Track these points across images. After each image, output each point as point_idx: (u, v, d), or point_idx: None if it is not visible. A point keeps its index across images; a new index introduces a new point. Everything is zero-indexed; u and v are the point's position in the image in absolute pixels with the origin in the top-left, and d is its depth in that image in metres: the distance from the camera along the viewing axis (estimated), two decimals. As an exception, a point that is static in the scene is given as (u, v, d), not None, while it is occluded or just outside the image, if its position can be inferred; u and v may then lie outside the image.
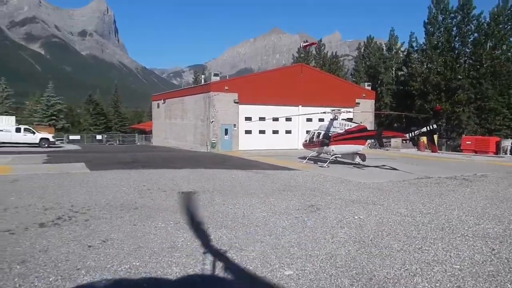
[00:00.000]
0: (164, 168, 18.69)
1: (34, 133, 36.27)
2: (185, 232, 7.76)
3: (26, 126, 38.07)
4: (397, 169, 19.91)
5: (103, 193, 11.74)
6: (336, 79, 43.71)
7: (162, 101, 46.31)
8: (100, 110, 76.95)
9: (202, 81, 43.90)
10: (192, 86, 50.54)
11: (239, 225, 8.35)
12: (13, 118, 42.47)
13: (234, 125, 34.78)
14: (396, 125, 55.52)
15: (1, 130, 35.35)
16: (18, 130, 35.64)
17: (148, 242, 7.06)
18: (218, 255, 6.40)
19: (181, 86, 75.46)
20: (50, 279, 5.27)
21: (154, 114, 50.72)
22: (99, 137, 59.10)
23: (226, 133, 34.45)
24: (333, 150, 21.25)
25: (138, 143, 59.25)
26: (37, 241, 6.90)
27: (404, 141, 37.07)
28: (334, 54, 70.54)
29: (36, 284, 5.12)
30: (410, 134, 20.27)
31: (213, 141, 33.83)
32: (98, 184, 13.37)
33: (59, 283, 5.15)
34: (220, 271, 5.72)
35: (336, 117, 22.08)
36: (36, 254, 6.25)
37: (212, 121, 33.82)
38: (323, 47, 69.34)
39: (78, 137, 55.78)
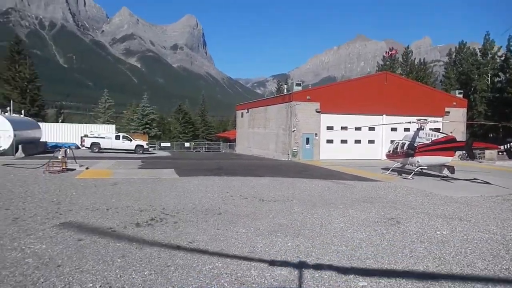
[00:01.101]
0: (246, 176, 19.39)
1: (131, 140, 39.56)
2: (264, 238, 8.15)
3: (124, 134, 41.63)
4: (490, 183, 18.52)
5: (190, 198, 12.63)
6: (423, 87, 41.67)
7: (246, 110, 47.81)
8: (188, 119, 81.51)
9: (285, 90, 44.55)
10: (275, 95, 51.45)
11: (317, 235, 8.54)
12: (113, 126, 46.79)
13: (316, 134, 34.80)
14: (491, 135, 51.28)
15: (103, 137, 39.05)
16: (117, 137, 39.11)
17: (230, 245, 7.56)
18: (294, 262, 6.67)
19: (264, 96, 77.16)
20: (145, 273, 5.96)
21: (238, 123, 52.48)
22: (187, 144, 62.56)
23: (307, 142, 34.59)
24: (418, 161, 20.39)
25: (223, 151, 61.64)
26: (134, 239, 7.75)
27: (500, 153, 34.12)
28: (422, 60, 67.25)
29: (133, 276, 5.82)
30: (506, 145, 18.76)
31: (295, 150, 34.16)
32: (186, 189, 14.37)
33: (152, 277, 5.80)
34: (295, 278, 5.98)
35: (422, 127, 21.18)
36: (133, 250, 7.05)
37: (294, 130, 34.19)
38: (410, 54, 66.50)
39: (168, 144, 59.62)
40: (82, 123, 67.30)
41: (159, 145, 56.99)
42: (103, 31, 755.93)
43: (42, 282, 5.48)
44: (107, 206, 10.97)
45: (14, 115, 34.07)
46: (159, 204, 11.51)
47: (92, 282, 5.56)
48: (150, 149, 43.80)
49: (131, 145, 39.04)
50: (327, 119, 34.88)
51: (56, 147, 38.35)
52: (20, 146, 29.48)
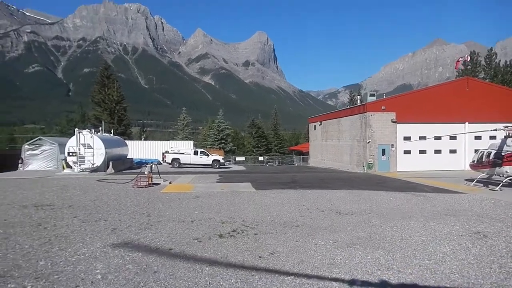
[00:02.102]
0: (321, 189, 19.41)
1: (208, 155, 41.30)
2: (343, 250, 8.23)
3: (202, 149, 43.53)
4: None
5: (268, 211, 13.02)
6: (510, 91, 38.65)
7: (319, 122, 47.69)
8: (261, 133, 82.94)
9: (358, 101, 43.82)
10: (348, 107, 50.75)
11: (397, 248, 8.43)
12: (191, 142, 49.15)
13: (392, 145, 33.76)
14: None
15: (183, 153, 41.21)
16: (195, 153, 41.06)
17: (309, 257, 7.76)
18: (375, 274, 6.70)
19: (336, 107, 76.27)
20: (232, 281, 6.38)
21: (311, 136, 52.43)
22: (260, 158, 63.65)
23: (383, 154, 33.65)
24: (507, 172, 19.00)
25: (296, 164, 61.77)
26: (218, 249, 8.26)
27: None
28: (508, 62, 62.32)
29: (221, 284, 6.27)
30: None
31: (370, 162, 33.39)
32: (263, 203, 14.81)
33: (239, 285, 6.20)
34: (377, 289, 6.03)
35: (511, 134, 19.74)
36: (219, 259, 7.54)
37: (369, 142, 33.48)
38: (494, 56, 62.02)
39: (243, 158, 61.15)
40: (162, 139, 71.41)
41: (234, 159, 58.62)
42: (179, 52, 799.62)
43: (142, 286, 6.11)
44: (191, 218, 11.71)
45: (105, 134, 37.25)
46: (239, 216, 12.03)
47: (185, 287, 6.09)
48: (226, 164, 45.25)
49: (208, 160, 40.72)
50: (403, 129, 33.72)
51: (141, 163, 41.19)
52: (110, 163, 32.13)
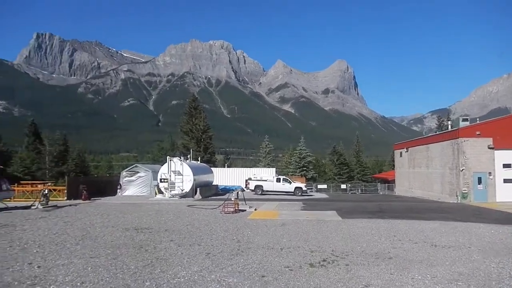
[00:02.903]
0: (412, 219, 18.42)
1: (290, 182, 41.37)
2: (444, 286, 7.73)
3: (284, 177, 43.77)
4: None
5: (357, 241, 12.68)
6: None
7: (405, 149, 45.67)
8: (343, 160, 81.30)
9: (449, 127, 41.29)
10: (437, 132, 48.03)
11: (506, 286, 7.72)
12: (273, 169, 49.70)
13: (490, 173, 31.13)
14: None
15: (265, 180, 41.76)
16: (278, 180, 41.38)
17: (407, 291, 7.41)
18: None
19: (423, 133, 72.57)
20: (328, 311, 6.31)
21: (397, 163, 50.26)
22: (343, 186, 62.20)
23: (479, 182, 31.11)
24: None
25: (381, 193, 59.30)
26: (310, 279, 8.22)
27: None
28: None
29: (317, 312, 6.23)
30: None
31: (464, 191, 31.02)
32: (352, 232, 14.45)
33: (335, 315, 6.12)
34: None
35: None
36: (312, 288, 7.51)
37: (462, 169, 31.24)
38: None
39: (324, 186, 60.23)
40: (244, 166, 73.02)
41: (316, 186, 57.97)
42: (260, 83, 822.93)
43: (240, 310, 6.29)
44: (280, 245, 11.80)
45: (193, 161, 39.20)
46: (328, 245, 11.86)
47: (282, 314, 6.16)
48: (308, 191, 44.90)
49: (290, 187, 40.75)
50: (503, 155, 31.06)
51: (225, 189, 42.49)
52: (198, 189, 33.63)
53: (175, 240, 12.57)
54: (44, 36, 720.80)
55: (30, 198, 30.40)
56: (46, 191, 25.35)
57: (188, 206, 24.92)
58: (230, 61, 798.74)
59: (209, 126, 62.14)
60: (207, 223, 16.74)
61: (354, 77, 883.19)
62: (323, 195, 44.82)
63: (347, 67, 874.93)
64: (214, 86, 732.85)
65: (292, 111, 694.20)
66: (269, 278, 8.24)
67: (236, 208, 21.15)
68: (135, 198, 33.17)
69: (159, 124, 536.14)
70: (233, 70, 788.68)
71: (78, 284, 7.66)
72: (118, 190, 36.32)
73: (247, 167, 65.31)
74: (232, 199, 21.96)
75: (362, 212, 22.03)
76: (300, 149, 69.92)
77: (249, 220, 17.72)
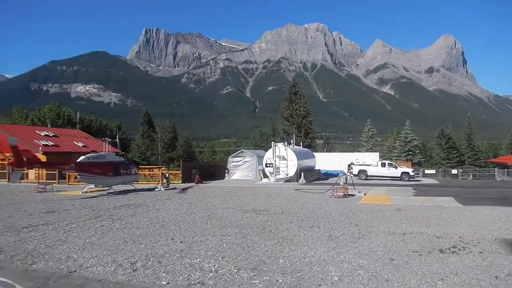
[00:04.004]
0: (547, 208, 16.67)
1: (396, 167, 39.84)
2: None
3: (389, 161, 42.28)
4: None
5: (486, 228, 11.92)
6: None
7: (529, 131, 41.01)
8: (452, 144, 75.61)
9: None
10: None
11: None
12: (377, 154, 48.22)
13: None
14: None
15: (369, 165, 40.74)
16: (383, 164, 40.09)
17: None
18: None
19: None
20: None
21: (519, 147, 45.36)
22: (454, 171, 57.95)
23: None
24: None
25: (498, 179, 54.11)
26: (444, 264, 8.00)
27: None
28: None
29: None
30: None
31: None
32: (477, 219, 13.60)
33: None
34: None
35: None
36: (447, 274, 7.32)
37: None
38: None
39: (432, 171, 56.72)
40: (342, 151, 71.83)
41: (423, 172, 54.90)
42: (357, 64, 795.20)
43: (379, 291, 6.43)
44: (401, 230, 11.60)
45: (296, 147, 39.75)
46: (454, 232, 11.35)
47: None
48: (415, 176, 42.82)
49: (396, 172, 39.26)
50: None
51: (327, 174, 42.39)
52: (302, 174, 34.09)
53: (294, 222, 13.06)
54: (151, 31, 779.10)
55: (150, 181, 33.65)
56: (167, 175, 27.83)
57: (296, 190, 25.46)
58: (325, 44, 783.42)
59: (309, 111, 62.12)
60: (320, 206, 17.01)
61: (462, 53, 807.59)
62: (431, 181, 42.41)
63: (455, 42, 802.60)
64: (310, 70, 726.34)
65: (392, 93, 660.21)
66: (399, 261, 8.21)
67: (345, 193, 21.10)
68: (242, 182, 34.80)
69: (256, 110, 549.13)
70: (329, 53, 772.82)
71: (220, 258, 8.43)
72: (226, 174, 38.36)
73: (345, 152, 64.22)
74: (341, 183, 21.95)
75: (482, 199, 20.52)
76: (406, 133, 66.56)
77: (362, 205, 17.61)
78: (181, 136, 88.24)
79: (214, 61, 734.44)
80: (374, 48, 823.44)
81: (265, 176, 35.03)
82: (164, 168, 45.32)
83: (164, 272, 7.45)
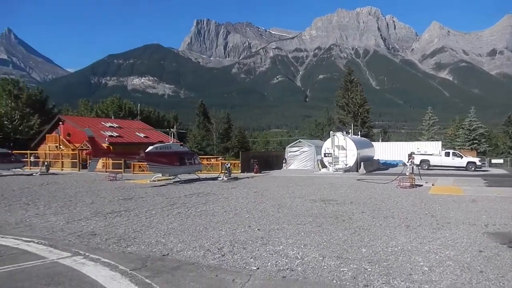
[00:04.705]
0: None
1: (461, 157, 38.02)
2: None
3: (454, 151, 40.44)
4: None
5: None
6: None
7: None
8: (521, 132, 70.78)
9: None
10: None
11: None
12: (439, 143, 46.26)
13: None
14: None
15: (431, 154, 39.19)
16: (447, 154, 38.38)
17: None
18: None
19: None
20: None
21: None
22: (524, 161, 54.33)
23: None
24: None
25: None
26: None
27: None
28: None
29: None
30: None
31: None
32: None
33: None
34: None
35: None
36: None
37: None
38: None
39: (500, 160, 53.52)
40: (398, 140, 69.27)
41: (489, 161, 51.98)
42: (412, 49, 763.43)
43: (475, 284, 6.29)
44: (482, 222, 11.18)
45: (354, 136, 39.08)
46: (542, 225, 10.77)
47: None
48: (482, 166, 40.66)
49: (461, 162, 37.46)
50: None
51: (386, 164, 41.38)
52: (362, 163, 33.52)
53: (366, 212, 12.96)
54: (202, 22, 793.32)
55: (210, 171, 34.57)
56: (228, 165, 28.48)
57: (358, 180, 25.14)
58: (378, 28, 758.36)
59: (366, 99, 60.69)
60: (388, 196, 16.73)
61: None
62: (500, 171, 40.06)
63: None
64: (362, 56, 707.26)
65: (450, 78, 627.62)
66: (489, 253, 7.94)
67: (412, 183, 20.55)
68: (300, 172, 34.82)
69: (307, 99, 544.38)
70: (382, 38, 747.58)
71: (302, 246, 8.60)
72: (284, 164, 38.55)
73: (402, 141, 62.04)
74: (407, 173, 21.42)
75: None
76: (470, 120, 63.15)
77: (432, 195, 17.10)
78: (235, 126, 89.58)
79: (264, 50, 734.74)
80: (431, 31, 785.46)
81: (324, 166, 34.81)
82: (221, 158, 46.39)
83: (251, 258, 7.73)
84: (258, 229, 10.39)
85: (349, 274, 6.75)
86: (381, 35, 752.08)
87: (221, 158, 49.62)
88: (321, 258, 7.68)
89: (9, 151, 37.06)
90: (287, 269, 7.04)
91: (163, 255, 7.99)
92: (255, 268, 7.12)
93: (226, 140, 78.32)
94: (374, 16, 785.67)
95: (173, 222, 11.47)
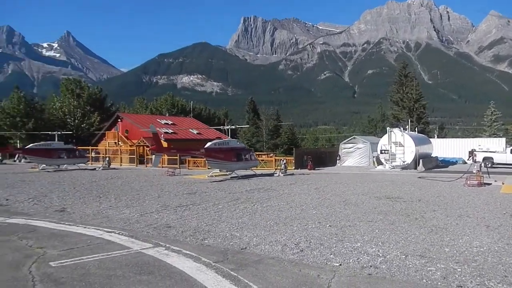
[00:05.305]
0: None
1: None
2: None
3: (516, 148, 38.05)
4: None
5: None
6: None
7: None
8: None
9: None
10: None
11: None
12: (503, 140, 43.74)
13: None
14: None
15: (495, 152, 37.10)
16: (512, 151, 36.22)
17: None
18: None
19: None
20: None
21: None
22: None
23: None
24: None
25: None
26: None
27: None
28: None
29: None
30: None
31: None
32: None
33: None
34: None
35: None
36: None
37: None
38: None
39: None
40: (453, 137, 66.18)
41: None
42: (468, 41, 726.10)
43: None
44: None
45: (411, 132, 37.81)
46: None
47: None
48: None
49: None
50: None
51: (444, 161, 39.71)
52: (421, 161, 32.35)
53: (437, 210, 12.49)
54: (249, 20, 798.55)
55: (264, 167, 34.75)
56: (285, 161, 28.52)
57: (419, 178, 24.30)
58: (431, 20, 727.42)
59: (421, 94, 58.45)
60: (458, 195, 16.04)
61: None
62: None
63: None
64: (413, 50, 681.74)
65: (510, 71, 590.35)
66: None
67: (480, 181, 19.56)
68: (355, 168, 34.20)
69: (355, 95, 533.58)
70: (435, 30, 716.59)
71: (380, 243, 8.43)
72: (338, 161, 38.01)
73: (457, 138, 59.22)
74: (474, 171, 20.44)
75: None
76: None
77: (506, 195, 16.19)
78: (284, 123, 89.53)
79: (311, 46, 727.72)
80: (488, 21, 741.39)
81: (380, 163, 33.94)
82: (272, 155, 46.54)
83: (331, 254, 7.66)
84: (330, 226, 10.30)
85: (438, 274, 6.52)
86: (434, 27, 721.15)
87: (272, 154, 49.79)
88: (403, 256, 7.48)
89: (75, 147, 39.24)
90: (371, 266, 6.92)
91: (241, 249, 8.12)
92: (337, 264, 7.05)
93: (275, 136, 78.42)
94: (427, 7, 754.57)
95: (242, 217, 11.63)
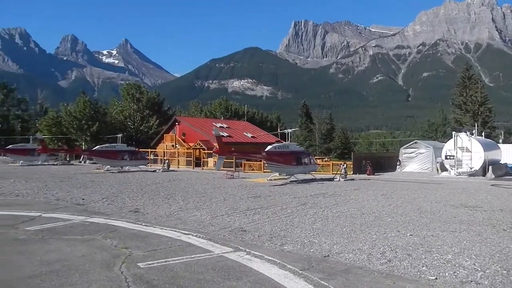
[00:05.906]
0: None
1: None
2: None
3: None
4: None
5: None
6: None
7: None
8: None
9: None
10: None
11: None
12: None
13: None
14: None
15: None
16: None
17: None
18: None
19: None
20: None
21: None
22: None
23: None
24: None
25: None
26: None
27: None
28: None
29: None
30: None
31: None
32: None
33: None
34: None
35: None
36: None
37: None
38: None
39: None
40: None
41: None
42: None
43: None
44: None
45: (479, 137, 35.73)
46: None
47: None
48: None
49: None
50: None
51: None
52: (490, 168, 30.45)
53: (526, 222, 11.57)
54: (300, 24, 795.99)
55: (320, 171, 34.20)
56: (345, 166, 27.91)
57: (492, 185, 22.83)
58: (493, 20, 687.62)
59: (487, 97, 55.17)
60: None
61: None
62: None
63: None
64: (473, 51, 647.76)
65: None
66: None
67: None
68: (417, 174, 32.83)
69: (409, 99, 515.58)
70: (497, 30, 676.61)
71: (473, 256, 7.83)
72: (398, 166, 36.70)
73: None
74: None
75: None
76: None
77: None
78: (337, 127, 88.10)
79: (363, 48, 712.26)
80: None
81: (444, 169, 32.32)
82: (327, 159, 45.80)
83: (423, 266, 7.22)
84: (411, 235, 9.80)
85: (550, 293, 5.94)
86: (496, 26, 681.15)
87: (327, 158, 49.03)
88: (504, 271, 6.91)
89: (136, 149, 40.77)
90: (471, 281, 6.43)
91: (324, 257, 7.87)
92: (433, 278, 6.62)
93: (328, 141, 77.25)
94: (488, 6, 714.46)
95: (315, 223, 11.37)
